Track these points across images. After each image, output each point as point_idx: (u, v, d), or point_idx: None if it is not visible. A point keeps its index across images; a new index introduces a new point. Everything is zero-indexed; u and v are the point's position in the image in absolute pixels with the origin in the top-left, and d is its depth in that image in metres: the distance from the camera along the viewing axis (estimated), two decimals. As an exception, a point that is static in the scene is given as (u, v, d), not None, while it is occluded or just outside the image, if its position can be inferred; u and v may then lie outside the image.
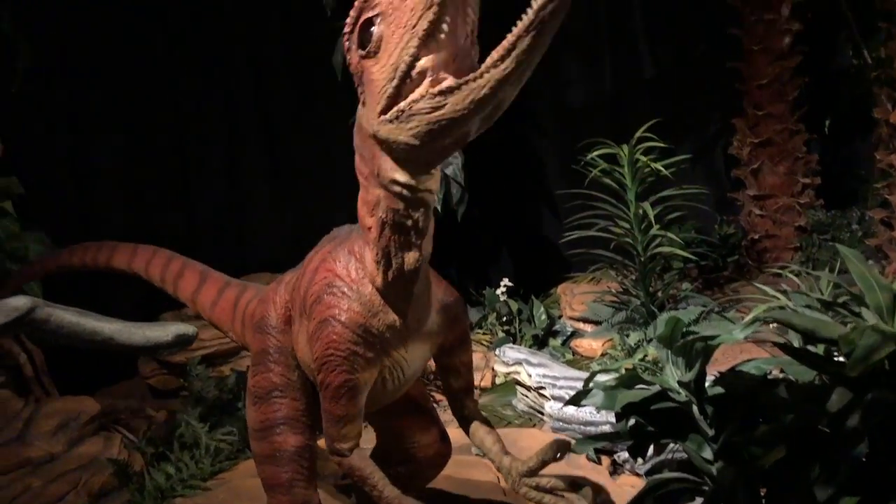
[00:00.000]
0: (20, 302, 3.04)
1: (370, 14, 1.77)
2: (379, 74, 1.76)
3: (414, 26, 1.66)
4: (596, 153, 4.44)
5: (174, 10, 5.25)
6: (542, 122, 5.90)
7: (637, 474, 2.98)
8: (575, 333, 4.70)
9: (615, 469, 3.07)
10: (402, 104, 1.72)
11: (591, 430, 3.20)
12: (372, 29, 1.77)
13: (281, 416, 2.35)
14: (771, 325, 2.86)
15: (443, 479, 2.78)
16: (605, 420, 3.13)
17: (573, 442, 2.26)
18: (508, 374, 3.84)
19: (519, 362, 3.75)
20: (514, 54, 1.53)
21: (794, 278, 2.90)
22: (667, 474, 1.98)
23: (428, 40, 1.66)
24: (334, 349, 2.07)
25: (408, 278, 2.00)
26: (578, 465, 3.03)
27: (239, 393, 3.75)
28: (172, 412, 3.87)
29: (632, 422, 2.01)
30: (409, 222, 1.91)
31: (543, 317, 4.75)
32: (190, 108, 5.40)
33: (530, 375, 3.62)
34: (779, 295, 2.36)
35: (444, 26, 1.65)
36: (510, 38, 1.52)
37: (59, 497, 3.05)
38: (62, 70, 4.89)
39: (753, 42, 5.27)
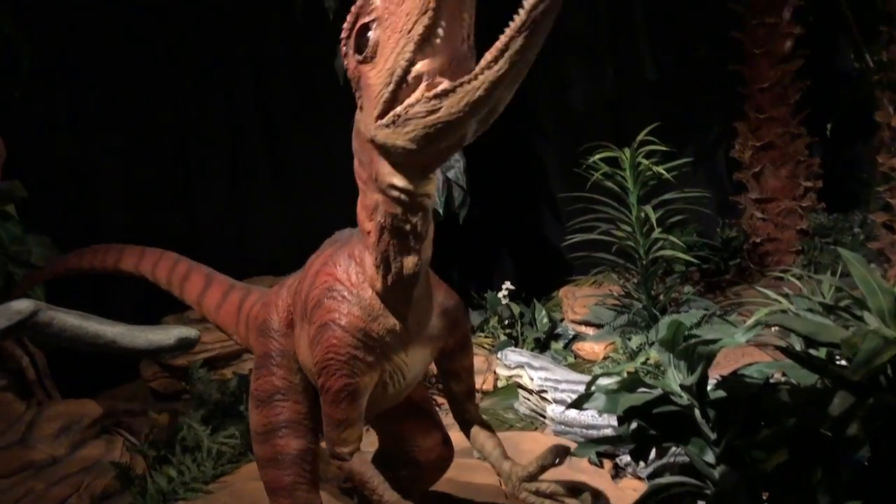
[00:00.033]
0: (23, 305, 3.04)
1: (366, 19, 1.78)
2: (376, 79, 1.77)
3: (409, 31, 1.66)
4: (598, 156, 4.44)
5: (176, 14, 5.26)
6: (544, 126, 5.91)
7: (639, 478, 2.97)
8: (577, 337, 4.69)
9: (617, 473, 3.07)
10: (399, 109, 1.72)
11: (593, 433, 3.20)
12: (368, 34, 1.78)
13: (283, 419, 2.36)
14: (773, 329, 2.85)
15: (445, 483, 2.78)
16: (606, 423, 3.13)
17: (572, 447, 2.26)
18: (510, 377, 3.84)
19: (521, 366, 3.75)
20: (507, 55, 1.54)
21: (796, 282, 2.89)
22: (669, 478, 1.98)
23: (423, 45, 1.67)
24: (334, 353, 2.07)
25: (407, 282, 2.01)
26: (580, 468, 3.02)
27: (241, 396, 3.75)
28: (174, 415, 3.87)
29: (634, 425, 2.01)
30: (408, 227, 1.91)
31: (545, 320, 4.75)
32: (192, 111, 5.41)
33: (532, 379, 3.62)
34: (781, 298, 2.36)
35: (440, 31, 1.66)
36: (503, 38, 1.53)
37: (61, 500, 3.05)
38: (64, 73, 4.90)
39: (755, 45, 5.27)
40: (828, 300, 2.24)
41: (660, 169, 4.33)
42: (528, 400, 3.67)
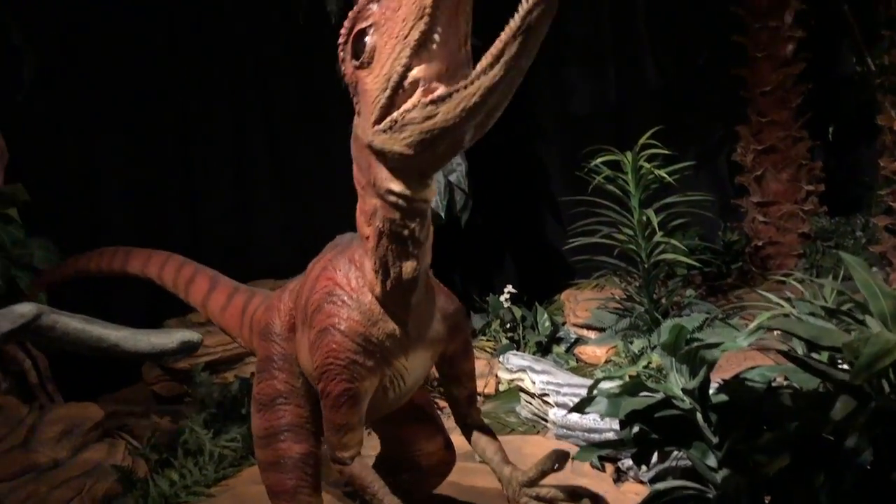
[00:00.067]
0: (26, 308, 3.05)
1: (363, 25, 1.79)
2: (372, 85, 1.77)
3: (406, 36, 1.66)
4: (600, 160, 4.44)
5: (180, 18, 5.28)
6: (546, 129, 5.91)
7: (641, 482, 2.97)
8: (579, 340, 4.69)
9: (619, 476, 3.06)
10: (396, 114, 1.73)
11: (595, 437, 3.19)
12: (365, 39, 1.79)
13: (285, 423, 2.36)
14: (775, 333, 2.86)
15: (447, 487, 2.78)
16: (608, 427, 3.13)
17: (573, 452, 2.25)
18: (512, 380, 3.84)
19: (522, 369, 3.75)
20: (502, 60, 1.53)
21: (798, 285, 2.90)
22: (671, 482, 1.97)
23: (420, 50, 1.67)
24: (334, 358, 2.08)
25: (406, 287, 2.01)
26: (582, 472, 3.02)
27: (243, 399, 3.75)
28: (176, 418, 3.87)
29: (636, 429, 2.00)
30: (406, 232, 1.91)
31: (547, 323, 4.75)
32: (195, 115, 5.43)
33: (534, 382, 3.62)
34: (782, 302, 2.36)
35: (436, 36, 1.66)
36: (498, 44, 1.52)
37: (63, 503, 3.05)
38: (67, 76, 4.92)
39: (757, 49, 5.28)
40: (830, 304, 2.24)
41: (662, 172, 4.33)
42: (530, 403, 3.67)
